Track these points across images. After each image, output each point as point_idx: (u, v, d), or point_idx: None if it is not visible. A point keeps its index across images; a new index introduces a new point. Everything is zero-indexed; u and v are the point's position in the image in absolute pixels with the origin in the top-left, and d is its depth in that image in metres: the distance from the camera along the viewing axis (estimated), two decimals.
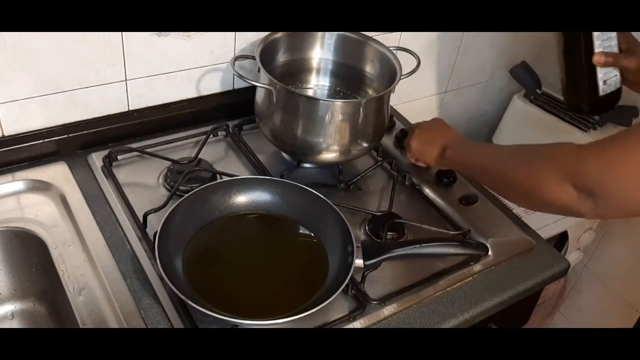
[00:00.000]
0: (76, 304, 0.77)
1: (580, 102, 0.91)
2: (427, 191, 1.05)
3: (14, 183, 0.92)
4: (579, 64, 0.89)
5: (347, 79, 1.12)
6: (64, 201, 0.91)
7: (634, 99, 1.38)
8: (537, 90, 1.51)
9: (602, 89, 0.89)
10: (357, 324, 0.81)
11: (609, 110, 0.94)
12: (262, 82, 0.95)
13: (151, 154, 1.00)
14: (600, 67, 0.87)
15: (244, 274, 0.84)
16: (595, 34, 0.86)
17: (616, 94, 0.91)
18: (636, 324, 1.00)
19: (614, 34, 0.87)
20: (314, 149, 0.97)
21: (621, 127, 1.39)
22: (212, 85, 1.10)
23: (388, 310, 0.83)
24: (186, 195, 0.86)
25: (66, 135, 0.99)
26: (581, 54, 0.87)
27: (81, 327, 0.75)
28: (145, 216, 0.88)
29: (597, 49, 0.86)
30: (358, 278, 0.84)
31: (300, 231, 0.90)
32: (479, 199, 1.04)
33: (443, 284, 0.88)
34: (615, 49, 0.88)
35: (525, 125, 1.54)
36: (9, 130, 0.95)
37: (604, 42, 0.86)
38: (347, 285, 0.79)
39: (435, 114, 1.55)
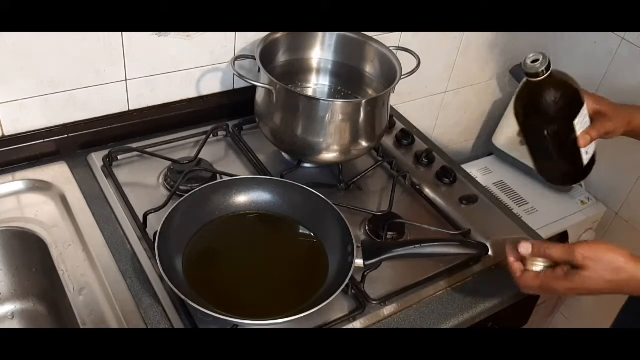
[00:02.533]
0: (76, 304, 0.77)
1: (568, 179, 0.92)
2: (427, 191, 1.05)
3: (14, 183, 0.92)
4: (563, 149, 0.88)
5: (347, 79, 1.12)
6: (64, 201, 0.91)
7: (632, 99, 1.38)
8: None
9: (585, 159, 0.89)
10: (357, 324, 0.81)
11: (590, 172, 0.93)
12: (262, 82, 0.95)
13: (151, 154, 1.00)
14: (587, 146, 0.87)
15: (244, 274, 0.84)
16: (576, 120, 0.84)
17: (594, 156, 0.91)
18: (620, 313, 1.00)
19: (586, 106, 0.85)
20: (314, 149, 0.97)
21: None
22: (212, 85, 1.10)
23: (388, 310, 0.83)
24: (186, 195, 0.86)
25: (66, 135, 0.99)
26: (565, 140, 0.86)
27: (81, 327, 0.75)
28: (145, 216, 0.88)
29: (578, 132, 0.85)
30: (358, 278, 0.84)
31: (300, 231, 0.90)
32: (479, 199, 1.04)
33: (443, 284, 0.88)
34: (588, 120, 0.87)
35: None
36: (9, 130, 0.95)
37: (582, 121, 0.86)
38: (347, 285, 0.79)
39: (435, 114, 1.55)
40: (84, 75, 0.96)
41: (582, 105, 0.84)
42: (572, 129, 0.84)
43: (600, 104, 0.89)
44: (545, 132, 0.86)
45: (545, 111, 0.84)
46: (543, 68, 0.79)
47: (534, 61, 0.80)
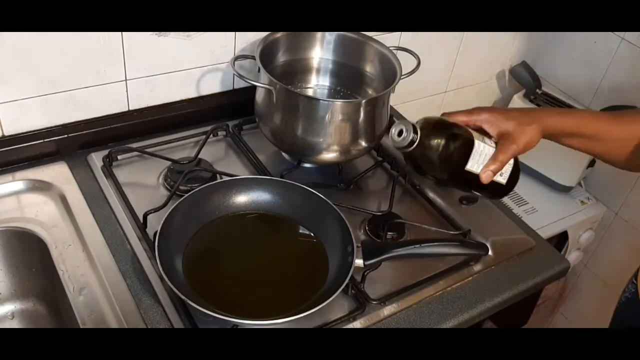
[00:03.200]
0: (76, 304, 0.77)
1: (496, 197, 0.91)
2: (427, 191, 1.05)
3: (14, 183, 0.92)
4: (470, 187, 0.87)
5: (347, 79, 1.12)
6: (64, 201, 0.91)
7: (632, 99, 1.38)
8: (537, 90, 1.51)
9: (503, 179, 0.86)
10: (357, 324, 0.81)
11: (518, 179, 0.90)
12: (262, 82, 0.95)
13: (151, 154, 1.00)
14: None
15: (244, 274, 0.84)
16: (468, 165, 0.81)
17: (515, 167, 0.88)
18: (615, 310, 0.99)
19: (478, 144, 0.82)
20: (314, 149, 0.97)
21: None
22: (212, 85, 1.10)
23: (388, 310, 0.83)
24: (186, 195, 0.86)
25: (66, 135, 0.99)
26: (468, 181, 0.84)
27: (81, 327, 0.75)
28: (145, 216, 0.88)
29: (477, 171, 0.82)
30: (358, 278, 0.84)
31: (300, 231, 0.90)
32: (479, 199, 1.04)
33: (443, 284, 0.88)
34: (487, 151, 0.82)
35: None
36: (9, 130, 0.95)
37: (479, 159, 0.82)
38: (347, 285, 0.79)
39: (435, 114, 1.55)
40: (84, 75, 0.96)
41: (471, 146, 0.81)
42: (470, 172, 0.82)
43: (503, 124, 0.84)
44: (444, 182, 0.86)
45: (434, 169, 0.82)
46: (411, 137, 0.78)
47: (399, 133, 0.79)
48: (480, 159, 0.82)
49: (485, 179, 0.83)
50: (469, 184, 0.86)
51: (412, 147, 0.79)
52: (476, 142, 0.82)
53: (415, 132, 0.79)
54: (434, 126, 0.82)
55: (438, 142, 0.80)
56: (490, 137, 0.86)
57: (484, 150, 0.82)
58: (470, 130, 0.83)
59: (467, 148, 0.81)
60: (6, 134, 0.95)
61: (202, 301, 0.76)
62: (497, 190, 0.88)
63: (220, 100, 1.12)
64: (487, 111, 0.86)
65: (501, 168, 0.84)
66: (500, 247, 0.95)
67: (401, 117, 1.24)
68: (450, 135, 0.81)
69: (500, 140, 0.84)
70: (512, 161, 0.86)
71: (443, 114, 0.86)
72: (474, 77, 1.54)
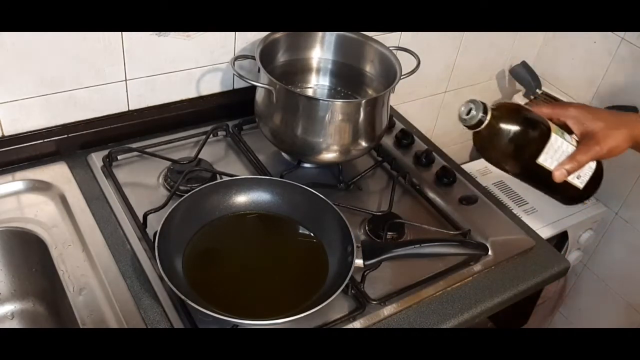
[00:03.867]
0: (76, 304, 0.77)
1: (570, 202, 0.85)
2: (427, 191, 1.05)
3: (14, 183, 0.92)
4: (542, 185, 0.82)
5: (347, 79, 1.12)
6: (64, 201, 0.91)
7: (632, 99, 1.38)
8: (537, 90, 1.51)
9: (579, 183, 0.80)
10: (357, 324, 0.81)
11: (599, 187, 0.84)
12: (262, 82, 0.95)
13: (151, 154, 1.00)
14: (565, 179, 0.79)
15: (244, 274, 0.84)
16: (540, 158, 0.76)
17: (597, 172, 0.83)
18: None
19: (556, 138, 0.77)
20: (314, 149, 0.97)
21: None
22: (212, 85, 1.10)
23: (388, 310, 0.83)
24: (186, 195, 0.86)
25: (66, 135, 0.99)
26: (540, 177, 0.79)
27: (81, 327, 0.75)
28: (145, 216, 0.88)
29: (550, 167, 0.77)
30: (358, 278, 0.84)
31: (300, 231, 0.90)
32: (479, 199, 1.04)
33: (443, 284, 0.88)
34: (566, 147, 0.77)
35: None
36: (9, 130, 0.95)
37: (554, 155, 0.77)
38: (347, 285, 0.79)
39: (435, 114, 1.55)
40: (84, 75, 0.96)
41: (546, 138, 0.76)
42: (542, 167, 0.77)
43: (591, 123, 0.78)
44: (515, 175, 0.80)
45: (503, 157, 0.78)
46: (479, 116, 0.73)
47: (468, 112, 0.75)
48: (556, 155, 0.77)
49: (558, 177, 0.77)
50: (540, 181, 0.80)
51: (480, 128, 0.74)
52: (553, 135, 0.76)
53: (484, 112, 0.74)
54: (508, 110, 0.76)
55: (509, 126, 0.75)
56: (573, 134, 0.80)
57: (562, 146, 0.77)
58: (549, 122, 0.78)
59: (542, 139, 0.76)
60: (6, 134, 0.95)
61: (202, 301, 0.76)
62: (571, 195, 0.83)
63: (220, 100, 1.12)
64: (575, 107, 0.80)
65: (578, 169, 0.77)
66: (500, 247, 0.95)
67: (401, 117, 1.24)
68: (524, 120, 0.76)
69: (583, 140, 0.78)
70: (593, 165, 0.80)
71: (526, 104, 0.82)
72: (474, 77, 1.54)
